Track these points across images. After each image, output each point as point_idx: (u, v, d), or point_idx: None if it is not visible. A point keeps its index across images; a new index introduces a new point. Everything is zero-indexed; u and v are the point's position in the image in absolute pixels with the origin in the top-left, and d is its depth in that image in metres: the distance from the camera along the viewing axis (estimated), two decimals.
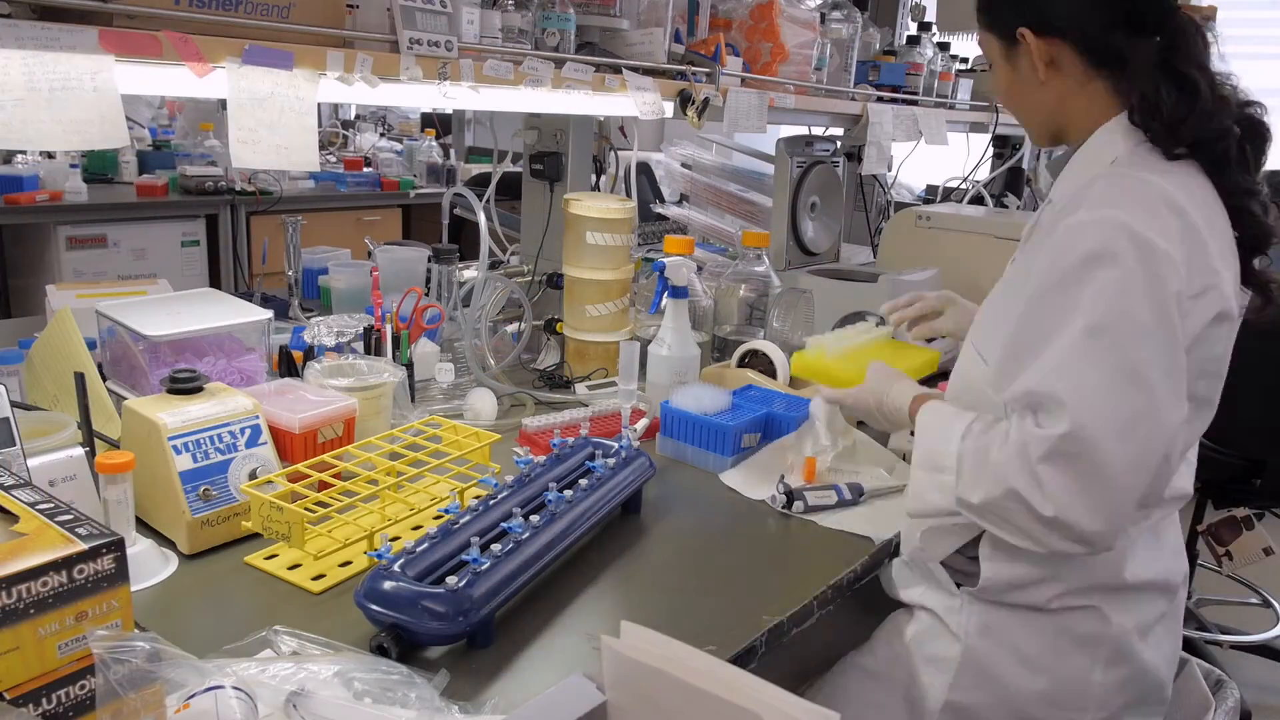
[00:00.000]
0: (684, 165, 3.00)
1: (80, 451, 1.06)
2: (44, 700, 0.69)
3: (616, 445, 1.30)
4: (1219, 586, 2.99)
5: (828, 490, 1.35)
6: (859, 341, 1.57)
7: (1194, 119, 1.04)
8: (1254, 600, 2.97)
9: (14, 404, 1.03)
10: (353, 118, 5.57)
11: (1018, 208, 3.39)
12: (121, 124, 1.03)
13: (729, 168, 2.97)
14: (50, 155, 3.46)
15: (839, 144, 2.37)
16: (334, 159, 4.59)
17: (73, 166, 3.41)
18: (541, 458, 1.26)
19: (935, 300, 1.53)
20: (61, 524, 0.72)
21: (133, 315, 1.34)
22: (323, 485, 1.15)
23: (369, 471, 1.19)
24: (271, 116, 1.15)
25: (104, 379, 1.35)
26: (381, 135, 5.22)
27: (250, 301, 1.50)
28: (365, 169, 4.40)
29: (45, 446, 1.05)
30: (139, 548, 1.04)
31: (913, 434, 1.17)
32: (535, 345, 1.91)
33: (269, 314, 1.44)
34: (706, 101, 1.72)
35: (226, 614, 1.00)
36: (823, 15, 2.20)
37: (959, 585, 1.17)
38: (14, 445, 1.01)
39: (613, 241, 1.72)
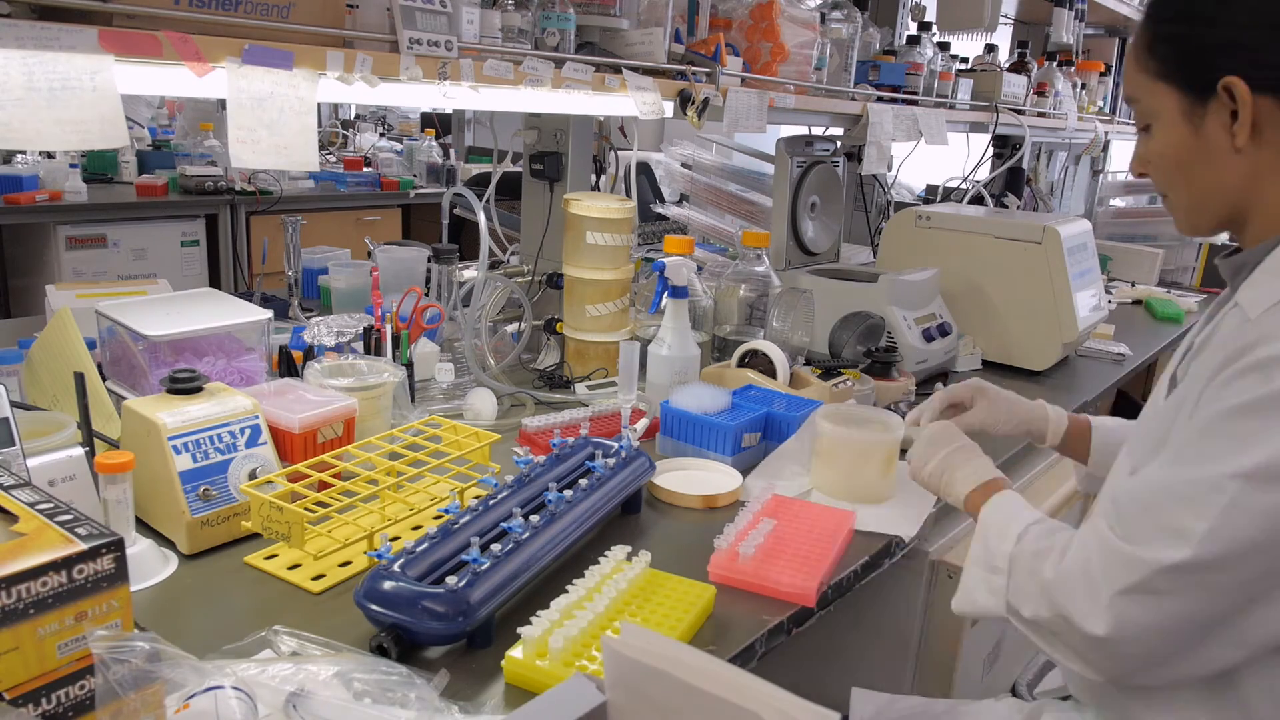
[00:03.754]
0: (684, 165, 3.00)
1: (80, 451, 1.06)
2: (44, 700, 0.69)
3: (616, 445, 1.30)
4: None
5: None
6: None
7: None
8: None
9: (14, 404, 1.03)
10: (353, 118, 5.58)
11: (1018, 208, 3.40)
12: (121, 124, 1.03)
13: (729, 168, 2.97)
14: (50, 155, 3.46)
15: (839, 144, 2.37)
16: (334, 159, 4.60)
17: (72, 166, 3.41)
18: (541, 458, 1.25)
19: (962, 391, 1.36)
20: (61, 524, 0.72)
21: (133, 315, 1.34)
22: (322, 485, 1.15)
23: (369, 471, 1.19)
24: (271, 116, 1.15)
25: (104, 379, 1.35)
26: (381, 135, 5.23)
27: (250, 301, 1.50)
28: (365, 169, 4.40)
29: (45, 446, 1.05)
30: (139, 548, 1.04)
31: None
32: (535, 345, 1.91)
33: (269, 314, 1.44)
34: (706, 101, 1.72)
35: (226, 614, 1.00)
36: (823, 15, 2.20)
37: None
38: (14, 445, 1.01)
39: (613, 241, 1.72)
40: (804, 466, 1.44)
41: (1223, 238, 4.06)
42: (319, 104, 1.21)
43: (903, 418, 1.42)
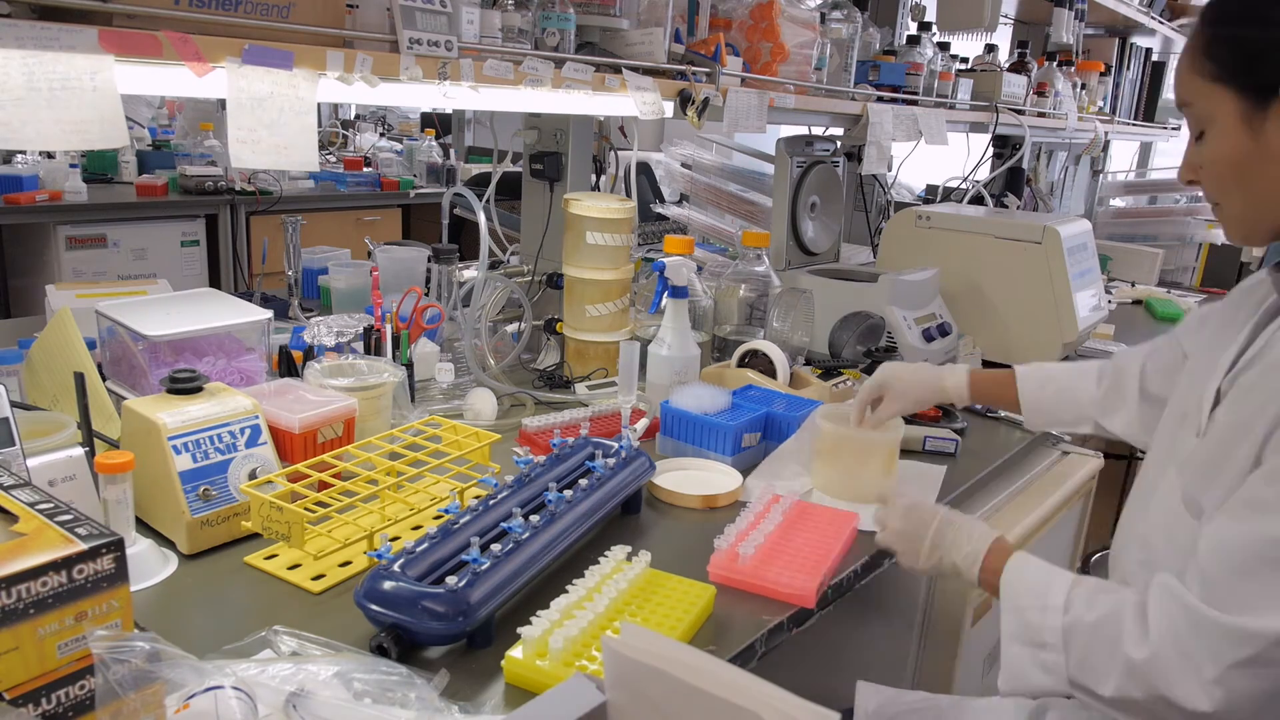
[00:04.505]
0: (684, 165, 3.00)
1: (80, 451, 1.06)
2: (44, 700, 0.69)
3: (616, 445, 1.30)
4: None
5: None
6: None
7: None
8: None
9: (14, 404, 1.03)
10: (353, 118, 5.58)
11: (1018, 207, 3.40)
12: (121, 124, 1.03)
13: (729, 168, 2.97)
14: (50, 155, 3.46)
15: (839, 144, 2.37)
16: (334, 159, 4.60)
17: (72, 166, 3.41)
18: (541, 458, 1.25)
19: (872, 390, 1.41)
20: (61, 524, 0.72)
21: (132, 315, 1.34)
22: (322, 485, 1.15)
23: (369, 471, 1.19)
24: (271, 116, 1.15)
25: (104, 379, 1.35)
26: (381, 135, 5.23)
27: (250, 301, 1.50)
28: (365, 169, 4.40)
29: (45, 446, 1.05)
30: (139, 548, 1.04)
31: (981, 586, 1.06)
32: (535, 345, 1.91)
33: (269, 314, 1.44)
34: (706, 101, 1.72)
35: (226, 614, 1.00)
36: (823, 15, 2.20)
37: None
38: (14, 445, 1.00)
39: (613, 241, 1.72)
40: (804, 466, 1.44)
41: (1221, 238, 4.07)
42: (319, 104, 1.21)
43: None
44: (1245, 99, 0.92)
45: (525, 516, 1.07)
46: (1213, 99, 0.95)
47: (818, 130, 2.39)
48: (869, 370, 1.76)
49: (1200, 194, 1.08)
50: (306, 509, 1.05)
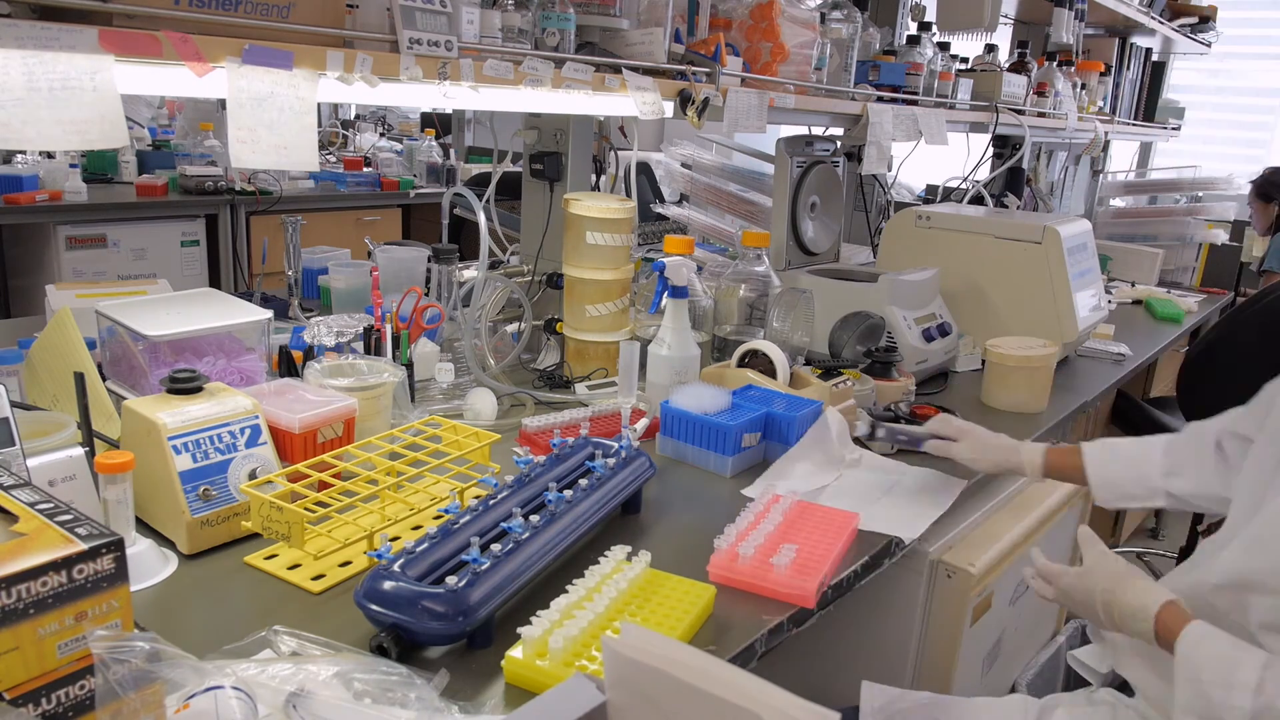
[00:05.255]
0: (684, 165, 3.01)
1: (80, 451, 1.06)
2: (44, 700, 0.69)
3: (616, 445, 1.30)
4: None
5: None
6: None
7: None
8: None
9: (14, 404, 1.03)
10: (353, 118, 5.58)
11: (1018, 208, 3.40)
12: (121, 124, 1.03)
13: (729, 168, 2.98)
14: (50, 155, 3.46)
15: (839, 144, 2.37)
16: (334, 159, 4.60)
17: (72, 166, 3.41)
18: (541, 458, 1.25)
19: (950, 428, 1.45)
20: (61, 524, 0.72)
21: (132, 315, 1.34)
22: (322, 485, 1.15)
23: (369, 471, 1.19)
24: (271, 116, 1.15)
25: (104, 379, 1.35)
26: (381, 135, 5.23)
27: (250, 301, 1.50)
28: (365, 169, 4.40)
29: (45, 446, 1.05)
30: (139, 548, 1.04)
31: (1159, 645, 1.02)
32: (535, 345, 1.91)
33: (269, 314, 1.44)
34: (706, 101, 1.72)
35: (226, 614, 1.00)
36: (823, 15, 2.19)
37: None
38: (14, 445, 1.00)
39: (613, 241, 1.72)
40: (816, 465, 1.44)
41: (1221, 238, 4.06)
42: (319, 104, 1.21)
43: (874, 426, 1.48)
44: None
45: (525, 516, 1.07)
46: None
47: (818, 130, 2.39)
48: (869, 370, 1.76)
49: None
50: (306, 509, 1.05)
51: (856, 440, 1.50)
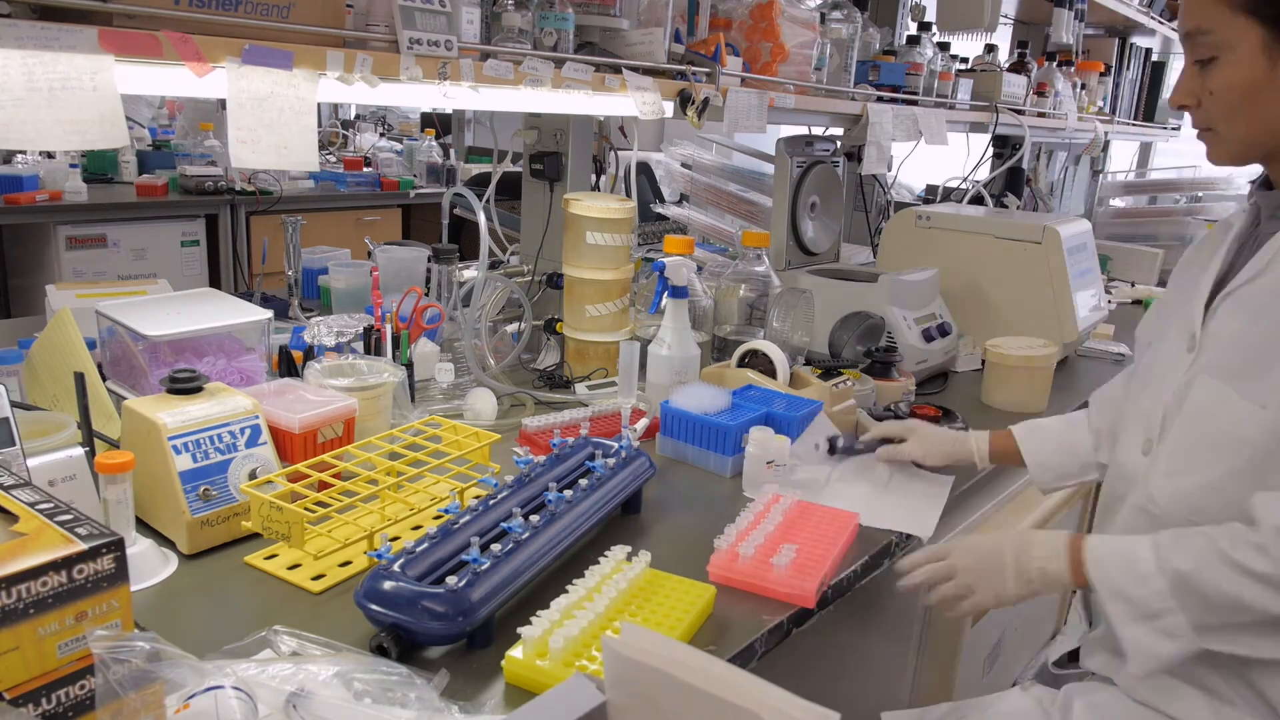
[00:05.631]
0: (684, 165, 3.01)
1: (80, 451, 1.06)
2: (44, 700, 0.69)
3: (616, 445, 1.30)
4: None
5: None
6: None
7: None
8: None
9: (14, 404, 1.03)
10: (353, 118, 5.58)
11: (1018, 208, 3.40)
12: (121, 124, 1.03)
13: (729, 168, 2.98)
14: (50, 155, 3.46)
15: (839, 144, 2.37)
16: (334, 159, 4.60)
17: (73, 166, 3.41)
18: (541, 458, 1.25)
19: (896, 428, 1.47)
20: (61, 524, 0.72)
21: (133, 315, 1.34)
22: (322, 485, 1.15)
23: (369, 471, 1.19)
24: (271, 116, 1.15)
25: (104, 379, 1.35)
26: (381, 135, 5.23)
27: (250, 301, 1.50)
28: (365, 169, 4.40)
29: (45, 446, 1.05)
30: (139, 548, 1.04)
31: (1076, 590, 1.05)
32: (535, 345, 1.91)
33: (269, 314, 1.44)
34: (706, 101, 1.72)
35: (226, 614, 1.00)
36: (823, 15, 2.20)
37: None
38: (14, 445, 1.00)
39: (613, 241, 1.72)
40: (818, 465, 1.44)
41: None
42: (319, 104, 1.21)
43: (832, 442, 1.48)
44: (1269, 29, 0.98)
45: (525, 516, 1.07)
46: (1236, 28, 0.99)
47: (818, 130, 2.39)
48: (869, 370, 1.76)
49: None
50: (306, 509, 1.05)
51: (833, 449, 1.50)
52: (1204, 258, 1.14)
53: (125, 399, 1.20)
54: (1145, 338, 1.27)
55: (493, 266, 2.01)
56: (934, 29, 2.68)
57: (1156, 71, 4.35)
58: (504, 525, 1.05)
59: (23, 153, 3.45)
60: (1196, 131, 1.09)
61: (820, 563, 1.14)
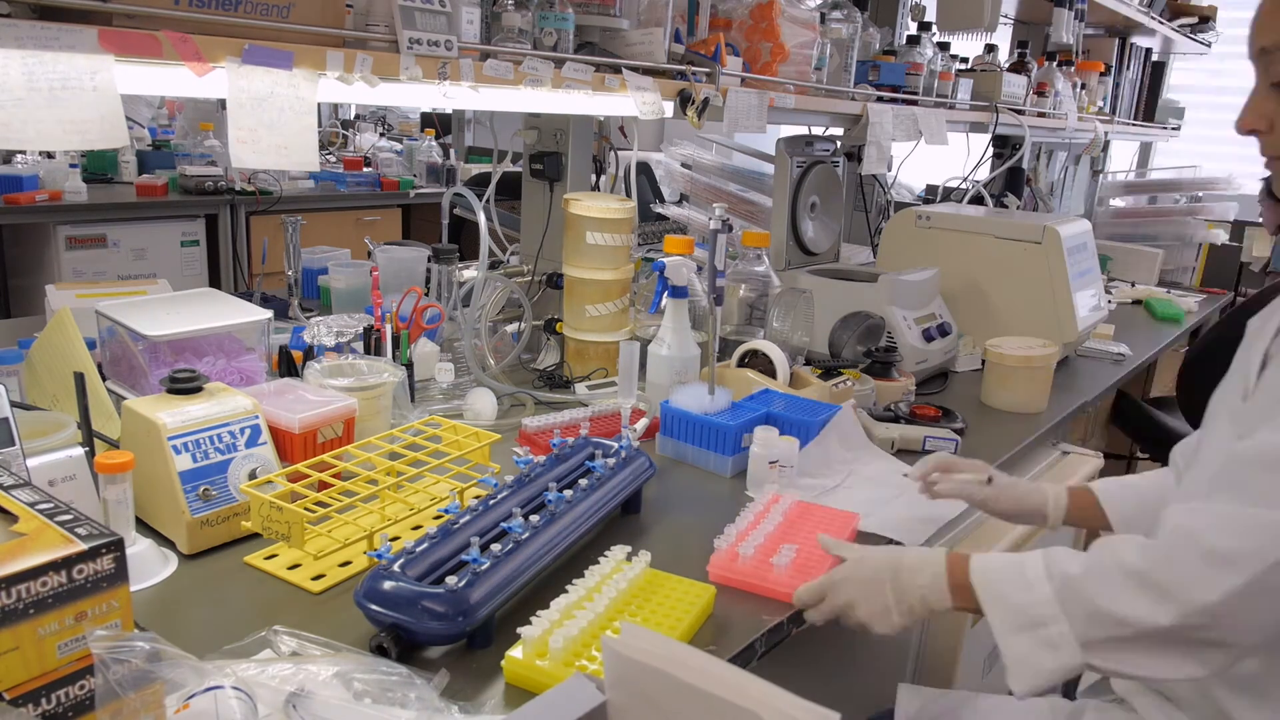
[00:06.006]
0: (684, 165, 3.01)
1: (80, 451, 1.06)
2: (44, 700, 0.69)
3: (616, 445, 1.30)
4: None
5: None
6: None
7: None
8: None
9: (14, 404, 1.03)
10: (353, 118, 5.58)
11: (1018, 208, 3.40)
12: (121, 124, 1.03)
13: (729, 168, 2.98)
14: (50, 155, 3.46)
15: (839, 144, 2.37)
16: (334, 159, 4.60)
17: (72, 166, 3.41)
18: (541, 458, 1.25)
19: (968, 465, 1.29)
20: (61, 524, 0.72)
21: (132, 315, 1.34)
22: (322, 485, 1.15)
23: (369, 471, 1.19)
24: (271, 116, 1.15)
25: (104, 379, 1.35)
26: (381, 135, 5.23)
27: (250, 301, 1.50)
28: (365, 169, 4.40)
29: (45, 446, 1.05)
30: (139, 548, 1.04)
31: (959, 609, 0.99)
32: (535, 345, 1.91)
33: (269, 314, 1.44)
34: (706, 101, 1.72)
35: (226, 614, 1.00)
36: (823, 15, 2.20)
37: None
38: (14, 445, 1.00)
39: (613, 241, 1.72)
40: (829, 467, 1.44)
41: (1221, 238, 4.06)
42: (319, 104, 1.21)
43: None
44: None
45: (525, 516, 1.07)
46: None
47: (818, 130, 2.39)
48: (869, 370, 1.76)
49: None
50: (306, 509, 1.05)
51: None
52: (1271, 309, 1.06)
53: (125, 399, 1.20)
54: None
55: (493, 266, 2.01)
56: (934, 29, 2.68)
57: (1156, 71, 4.35)
58: (504, 525, 1.05)
59: (23, 153, 3.45)
60: (1265, 160, 1.02)
61: (820, 563, 1.14)
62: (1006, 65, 3.04)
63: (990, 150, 3.03)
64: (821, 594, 1.05)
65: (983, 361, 1.98)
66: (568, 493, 1.15)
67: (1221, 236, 4.09)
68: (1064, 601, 0.89)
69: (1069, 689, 1.27)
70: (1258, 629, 0.84)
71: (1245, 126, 1.01)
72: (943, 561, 1.00)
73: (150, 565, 1.05)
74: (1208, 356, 2.57)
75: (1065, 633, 0.89)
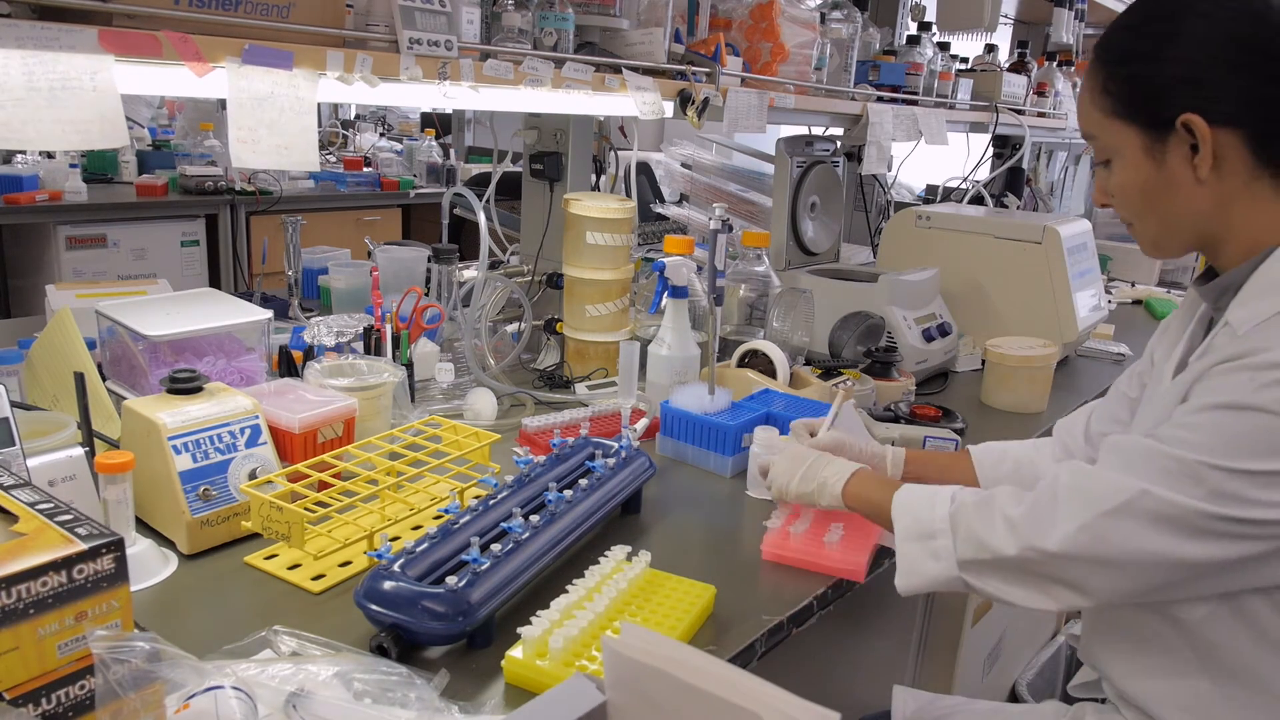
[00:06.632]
0: (684, 165, 3.01)
1: (80, 451, 1.06)
2: (44, 700, 0.69)
3: (616, 445, 1.30)
4: None
5: None
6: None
7: None
8: None
9: (14, 404, 1.03)
10: (353, 118, 5.58)
11: (1018, 208, 3.40)
12: (121, 124, 1.03)
13: (729, 168, 2.98)
14: (50, 155, 3.46)
15: (839, 144, 2.37)
16: (334, 159, 4.60)
17: (73, 166, 3.41)
18: (541, 458, 1.25)
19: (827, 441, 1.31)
20: (61, 524, 0.72)
21: (133, 315, 1.34)
22: (322, 485, 1.15)
23: (369, 471, 1.19)
24: (271, 116, 1.15)
25: (104, 379, 1.35)
26: (381, 135, 5.23)
27: (250, 301, 1.50)
28: (365, 169, 4.40)
29: (45, 446, 1.05)
30: (139, 548, 1.04)
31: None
32: (535, 345, 1.91)
33: (269, 314, 1.44)
34: (706, 101, 1.72)
35: (226, 614, 1.00)
36: (823, 15, 2.20)
37: None
38: (14, 445, 1.00)
39: (613, 241, 1.72)
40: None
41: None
42: (319, 104, 1.21)
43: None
44: (1145, 133, 0.96)
45: (525, 516, 1.07)
46: (1115, 133, 0.99)
47: (818, 130, 2.39)
48: (869, 370, 1.76)
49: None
50: (306, 509, 1.05)
51: None
52: (1174, 338, 1.11)
53: (125, 399, 1.20)
54: (1131, 391, 1.22)
55: (493, 266, 2.01)
56: (934, 29, 2.68)
57: None
58: (504, 525, 1.05)
59: (23, 153, 3.45)
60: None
61: (867, 538, 1.19)
62: (1006, 65, 3.04)
63: (990, 150, 3.03)
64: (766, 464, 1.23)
65: (983, 361, 1.98)
66: (568, 493, 1.15)
67: None
68: (953, 521, 1.00)
69: (1072, 703, 1.28)
70: (1103, 577, 0.91)
71: (1096, 203, 1.10)
72: (853, 470, 1.14)
73: (150, 565, 1.05)
74: None
75: (948, 546, 1.00)
